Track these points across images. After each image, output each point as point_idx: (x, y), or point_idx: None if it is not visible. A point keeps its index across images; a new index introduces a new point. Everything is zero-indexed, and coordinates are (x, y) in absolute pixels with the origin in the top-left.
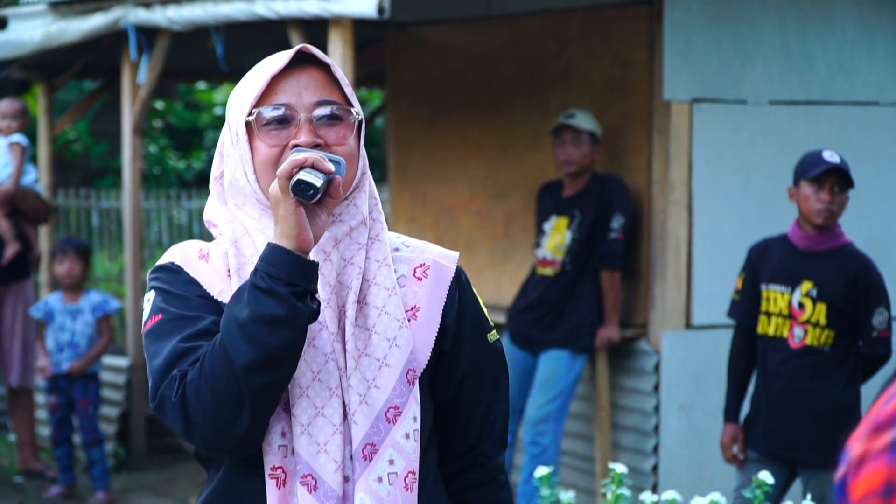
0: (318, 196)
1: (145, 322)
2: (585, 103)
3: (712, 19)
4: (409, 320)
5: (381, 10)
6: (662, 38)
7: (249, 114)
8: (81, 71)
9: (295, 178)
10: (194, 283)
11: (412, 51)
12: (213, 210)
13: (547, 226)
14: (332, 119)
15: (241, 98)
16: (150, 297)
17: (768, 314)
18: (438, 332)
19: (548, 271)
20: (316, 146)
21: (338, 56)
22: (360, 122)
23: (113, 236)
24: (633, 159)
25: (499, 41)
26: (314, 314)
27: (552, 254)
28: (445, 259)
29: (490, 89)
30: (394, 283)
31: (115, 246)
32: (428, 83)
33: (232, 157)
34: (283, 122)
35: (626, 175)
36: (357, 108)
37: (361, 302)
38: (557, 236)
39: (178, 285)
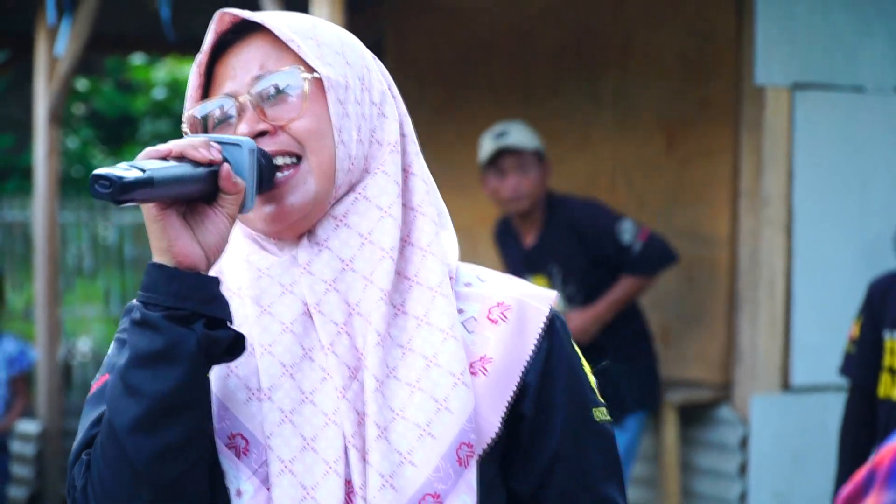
0: (136, 193)
1: (93, 382)
2: (650, 87)
3: None
4: (472, 375)
5: None
6: (754, 2)
7: (183, 120)
8: None
9: (93, 173)
10: None
11: (421, 17)
12: None
13: None
14: (276, 93)
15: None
16: (110, 350)
17: (893, 371)
18: (515, 395)
19: None
20: (262, 134)
21: None
22: (328, 84)
23: (17, 259)
24: (714, 164)
25: (536, 5)
26: (221, 346)
27: None
28: (535, 299)
29: (524, 69)
30: (452, 320)
31: (21, 272)
32: (441, 60)
33: None
34: (230, 117)
35: (705, 185)
36: (315, 65)
37: (405, 347)
38: None
39: None
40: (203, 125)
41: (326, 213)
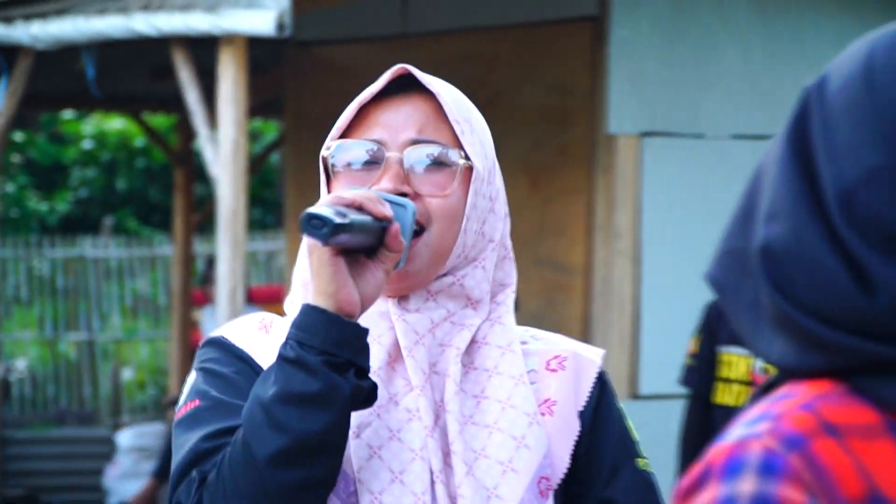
0: (340, 237)
1: (178, 408)
2: (516, 136)
3: (666, 39)
4: (542, 415)
5: (280, 26)
6: (607, 61)
7: (328, 146)
8: None
9: (306, 212)
10: (243, 360)
11: (316, 75)
12: (300, 267)
13: None
14: (430, 164)
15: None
16: (190, 378)
17: (727, 381)
18: (579, 433)
19: None
20: (401, 196)
21: (229, 81)
22: (472, 171)
23: None
24: (571, 202)
25: (417, 63)
26: (363, 395)
27: None
28: (587, 352)
29: None
30: (522, 371)
31: None
32: (334, 113)
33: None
34: (370, 162)
35: (564, 221)
36: (470, 153)
37: (479, 396)
38: None
39: (224, 363)
40: (332, 156)
41: (423, 286)
